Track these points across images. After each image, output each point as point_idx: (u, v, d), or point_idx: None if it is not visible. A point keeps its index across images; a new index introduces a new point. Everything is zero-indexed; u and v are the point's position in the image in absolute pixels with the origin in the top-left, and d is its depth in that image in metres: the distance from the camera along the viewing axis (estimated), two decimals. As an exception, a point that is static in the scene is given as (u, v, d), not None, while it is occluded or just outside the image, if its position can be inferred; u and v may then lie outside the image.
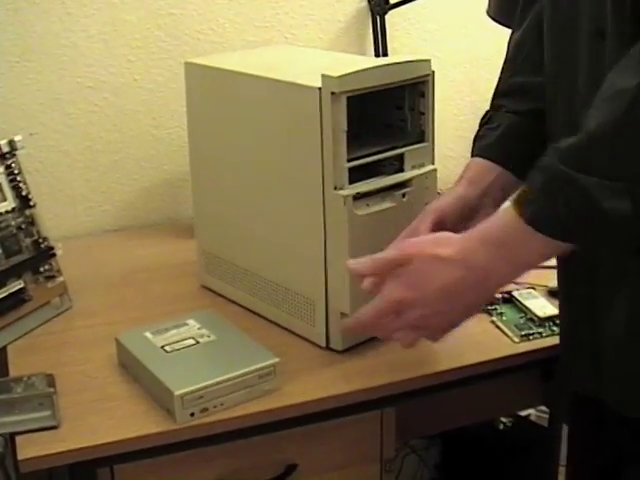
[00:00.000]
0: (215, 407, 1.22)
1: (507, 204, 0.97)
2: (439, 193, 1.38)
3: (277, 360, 1.26)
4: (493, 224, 0.97)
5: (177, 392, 1.19)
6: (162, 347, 1.31)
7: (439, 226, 1.21)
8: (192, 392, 1.20)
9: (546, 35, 1.16)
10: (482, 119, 1.33)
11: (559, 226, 0.91)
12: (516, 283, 1.55)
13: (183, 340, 1.33)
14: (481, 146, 1.30)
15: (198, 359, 1.29)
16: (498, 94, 1.32)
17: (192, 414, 1.20)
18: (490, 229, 0.97)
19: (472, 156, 1.30)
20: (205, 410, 1.21)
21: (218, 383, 1.22)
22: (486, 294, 1.05)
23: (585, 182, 0.87)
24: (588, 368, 1.14)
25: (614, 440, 1.17)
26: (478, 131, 1.32)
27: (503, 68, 1.33)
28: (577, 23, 1.06)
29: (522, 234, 0.93)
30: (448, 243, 1.01)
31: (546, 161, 0.92)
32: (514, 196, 0.95)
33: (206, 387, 1.21)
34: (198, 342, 1.33)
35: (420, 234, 1.17)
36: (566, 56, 1.10)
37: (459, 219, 1.23)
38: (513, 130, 1.27)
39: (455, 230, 1.09)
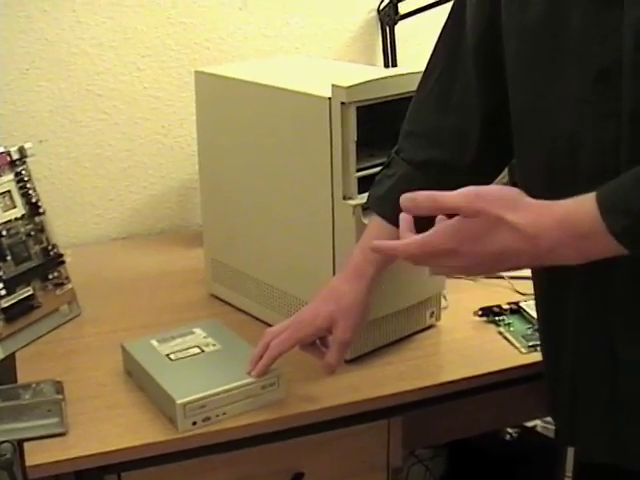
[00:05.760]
0: (218, 416, 1.22)
1: (592, 197, 0.92)
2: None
3: (280, 371, 1.26)
4: (576, 213, 0.93)
5: (179, 401, 1.19)
6: (167, 355, 1.32)
7: None
8: (194, 401, 1.20)
9: (513, 82, 1.14)
10: (387, 158, 1.30)
11: None
12: (523, 294, 1.55)
13: (188, 349, 1.33)
14: (375, 196, 1.28)
15: (202, 368, 1.29)
16: (402, 133, 1.29)
17: (194, 423, 1.20)
18: (572, 216, 0.93)
19: (367, 200, 1.30)
20: (207, 419, 1.21)
21: (221, 393, 1.22)
22: (537, 265, 1.01)
23: None
24: (601, 433, 1.12)
25: None
26: (379, 172, 1.30)
27: (412, 99, 1.29)
28: (558, 67, 1.05)
29: (603, 237, 0.91)
30: (517, 207, 0.96)
31: None
32: (603, 197, 0.91)
33: (208, 396, 1.21)
34: (203, 351, 1.33)
35: None
36: (542, 101, 1.08)
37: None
38: (405, 183, 1.24)
39: None
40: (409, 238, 1.04)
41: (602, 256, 0.94)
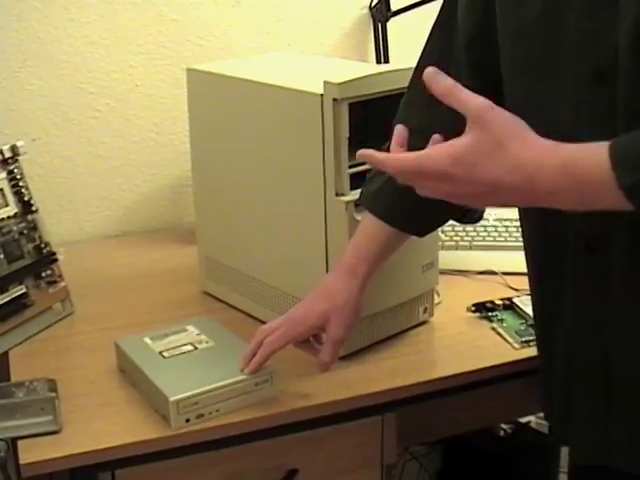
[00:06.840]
0: (211, 413, 1.22)
1: (604, 148, 0.89)
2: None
3: (273, 368, 1.26)
4: (584, 159, 0.90)
5: (172, 398, 1.19)
6: (160, 352, 1.32)
7: None
8: (187, 398, 1.20)
9: (508, 80, 1.12)
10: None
11: None
12: (516, 290, 1.56)
13: (181, 346, 1.33)
14: (367, 194, 1.28)
15: (195, 365, 1.29)
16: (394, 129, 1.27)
17: (187, 420, 1.20)
18: (580, 162, 0.90)
19: (359, 197, 1.29)
20: (201, 416, 1.21)
21: (214, 390, 1.22)
22: (530, 205, 0.97)
23: None
24: (595, 435, 1.11)
25: None
26: (371, 169, 1.28)
27: (405, 94, 1.27)
28: (553, 67, 1.04)
29: (610, 189, 0.88)
30: (522, 140, 0.93)
31: None
32: (616, 150, 0.88)
33: (201, 393, 1.21)
34: (196, 348, 1.33)
35: None
36: (537, 101, 1.07)
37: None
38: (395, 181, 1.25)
39: None
40: (402, 154, 1.00)
41: (604, 208, 0.91)
